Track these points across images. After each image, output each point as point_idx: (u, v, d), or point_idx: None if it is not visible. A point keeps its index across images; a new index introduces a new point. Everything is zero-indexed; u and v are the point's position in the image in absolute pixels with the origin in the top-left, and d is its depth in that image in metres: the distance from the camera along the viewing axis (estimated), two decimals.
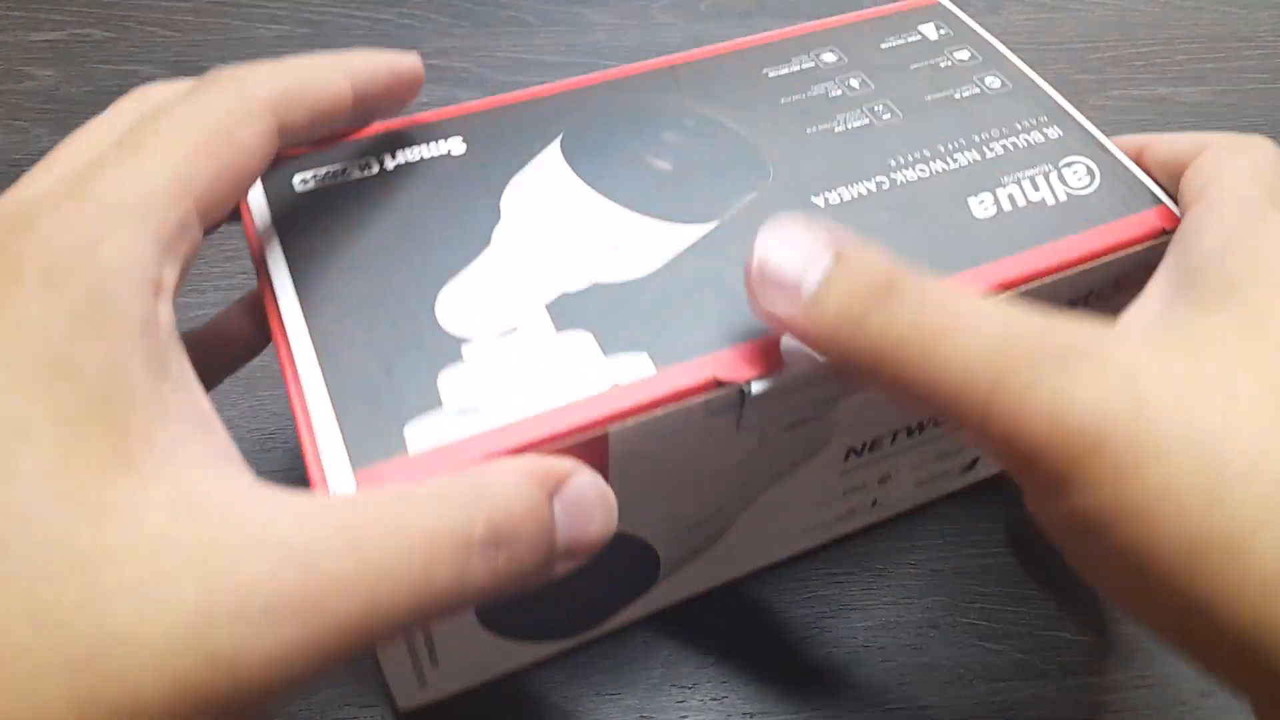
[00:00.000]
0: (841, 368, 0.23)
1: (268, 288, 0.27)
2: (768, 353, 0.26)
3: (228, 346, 0.31)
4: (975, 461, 0.39)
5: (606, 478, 0.27)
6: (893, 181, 0.30)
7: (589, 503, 0.23)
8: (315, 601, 0.17)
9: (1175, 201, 0.29)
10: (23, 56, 0.57)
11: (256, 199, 0.29)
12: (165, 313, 0.20)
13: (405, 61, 0.29)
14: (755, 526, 0.34)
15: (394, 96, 0.29)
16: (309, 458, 0.23)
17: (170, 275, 0.20)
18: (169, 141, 0.21)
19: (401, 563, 0.18)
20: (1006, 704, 0.36)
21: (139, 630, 0.15)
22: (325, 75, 0.26)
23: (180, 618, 0.16)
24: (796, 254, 0.23)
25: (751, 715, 0.35)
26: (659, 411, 0.25)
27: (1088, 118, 0.33)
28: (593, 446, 0.25)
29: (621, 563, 0.32)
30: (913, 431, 0.34)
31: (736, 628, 0.37)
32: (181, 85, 0.25)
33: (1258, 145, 0.27)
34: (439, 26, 0.62)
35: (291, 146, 0.26)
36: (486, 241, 0.28)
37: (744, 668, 0.36)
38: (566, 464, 0.23)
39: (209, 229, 0.22)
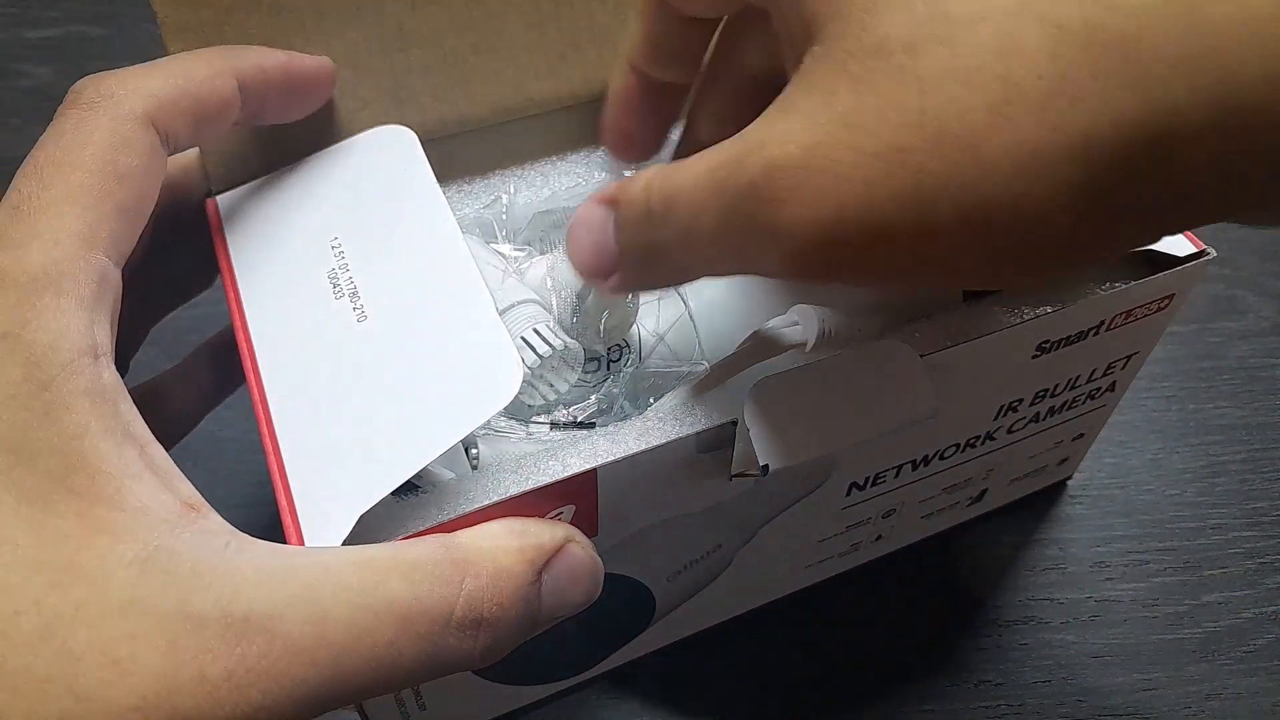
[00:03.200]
0: (681, 272, 0.22)
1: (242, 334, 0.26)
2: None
3: (192, 396, 0.31)
4: (984, 494, 0.38)
5: (596, 515, 0.26)
6: None
7: (578, 575, 0.22)
8: (276, 669, 0.17)
9: None
10: (18, 53, 0.57)
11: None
12: (108, 376, 0.19)
13: (306, 62, 0.27)
14: (754, 564, 0.33)
15: (291, 98, 0.27)
16: (286, 519, 0.23)
17: (103, 334, 0.19)
18: (58, 196, 0.20)
19: (365, 639, 0.18)
20: (1010, 708, 0.35)
21: (107, 693, 0.16)
22: (206, 76, 0.24)
23: (146, 683, 0.16)
24: (592, 231, 0.22)
25: None
26: (648, 446, 0.24)
27: None
28: (581, 483, 0.24)
29: (615, 606, 0.31)
30: (918, 464, 0.33)
31: (731, 664, 0.36)
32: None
33: None
34: None
35: (179, 152, 0.25)
36: None
37: (745, 687, 0.35)
38: (559, 534, 0.22)
39: (126, 264, 0.22)
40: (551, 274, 0.29)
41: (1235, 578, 0.39)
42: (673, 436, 0.25)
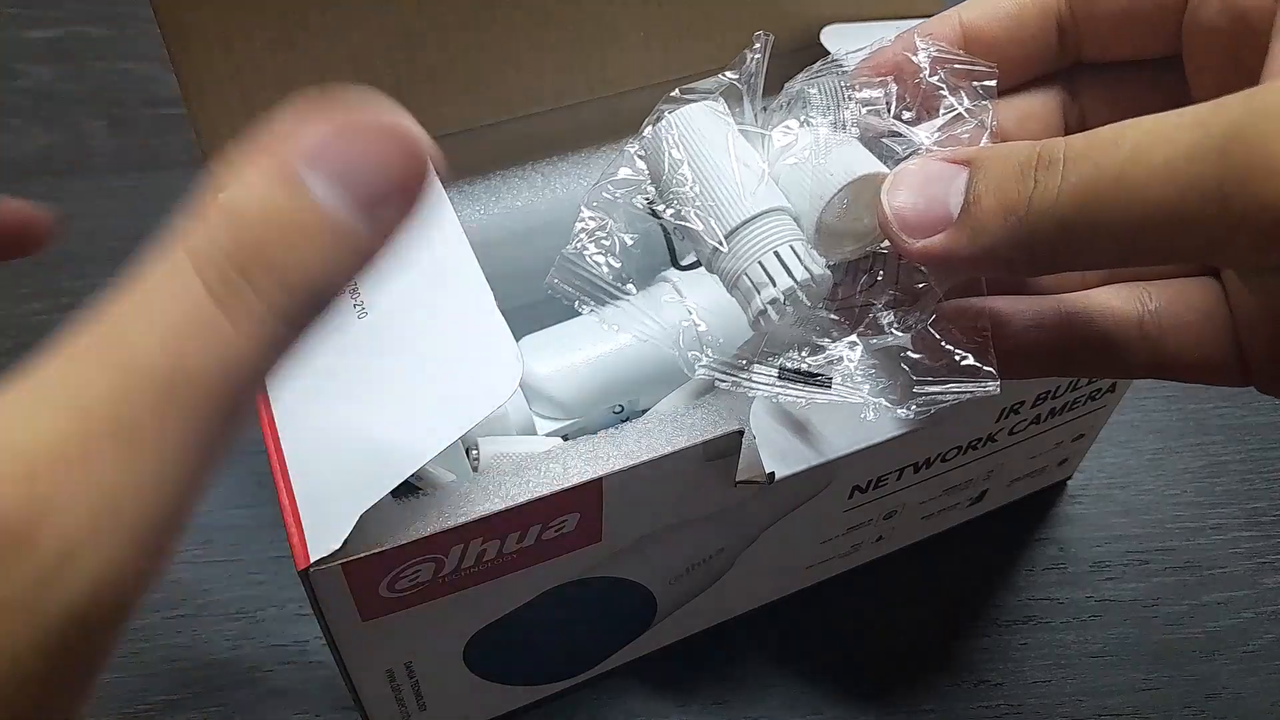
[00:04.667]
0: (1027, 263, 0.21)
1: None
2: None
3: None
4: (984, 494, 0.38)
5: (600, 523, 0.26)
6: None
7: (362, 147, 0.15)
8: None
9: None
10: (19, 53, 0.56)
11: None
12: None
13: (15, 211, 0.23)
14: (755, 566, 0.33)
15: None
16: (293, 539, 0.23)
17: None
18: None
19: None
20: (1010, 708, 0.35)
21: None
22: None
23: None
24: (926, 188, 0.22)
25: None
26: (653, 455, 0.24)
27: None
28: (586, 493, 0.24)
29: (616, 608, 0.31)
30: (919, 467, 0.33)
31: (731, 663, 0.36)
32: None
33: None
34: None
35: None
36: None
37: (746, 684, 0.35)
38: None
39: None
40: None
41: (1235, 577, 0.39)
42: (679, 445, 0.24)
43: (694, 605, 0.33)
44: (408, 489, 0.24)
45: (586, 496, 0.24)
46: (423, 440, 0.22)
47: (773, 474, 0.24)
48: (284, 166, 0.15)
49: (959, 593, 0.38)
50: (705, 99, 0.25)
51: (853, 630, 0.37)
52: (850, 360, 0.24)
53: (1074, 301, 0.25)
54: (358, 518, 0.22)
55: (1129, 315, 0.24)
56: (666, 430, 0.25)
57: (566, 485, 0.24)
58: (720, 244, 0.23)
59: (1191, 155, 0.18)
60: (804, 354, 0.24)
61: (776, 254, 0.23)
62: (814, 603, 0.37)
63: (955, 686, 0.36)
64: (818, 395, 0.24)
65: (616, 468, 0.24)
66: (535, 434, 0.31)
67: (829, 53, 0.27)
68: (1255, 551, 0.39)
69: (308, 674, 0.35)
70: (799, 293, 0.23)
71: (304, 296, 0.15)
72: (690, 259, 0.32)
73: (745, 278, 0.23)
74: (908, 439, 0.28)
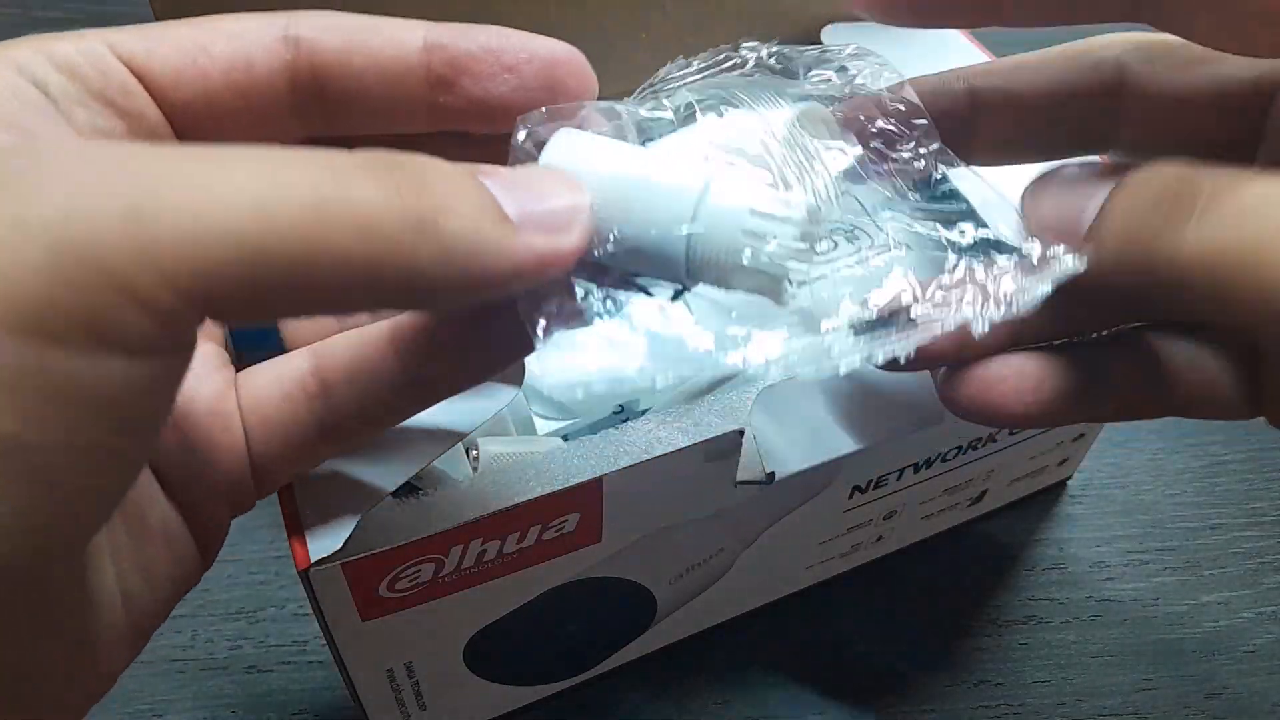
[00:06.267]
0: (1136, 298, 0.20)
1: None
2: None
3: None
4: (984, 494, 0.38)
5: (601, 524, 0.26)
6: None
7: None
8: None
9: None
10: None
11: None
12: None
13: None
14: (755, 566, 0.33)
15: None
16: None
17: None
18: None
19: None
20: (1010, 708, 0.35)
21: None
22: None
23: None
24: (1072, 189, 0.20)
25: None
26: (653, 455, 0.24)
27: None
28: (586, 493, 0.24)
29: (616, 608, 0.31)
30: (920, 467, 0.33)
31: (731, 663, 0.36)
32: None
33: None
34: None
35: None
36: None
37: (746, 684, 0.35)
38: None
39: None
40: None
41: (1235, 578, 0.39)
42: (679, 445, 0.24)
43: (694, 605, 0.33)
44: (408, 489, 0.23)
45: (586, 496, 0.24)
46: (425, 442, 0.22)
47: (772, 474, 0.24)
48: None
49: (959, 593, 0.38)
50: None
51: (853, 630, 0.37)
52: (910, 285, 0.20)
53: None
54: (358, 518, 0.22)
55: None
56: (666, 430, 0.25)
57: (566, 485, 0.24)
58: (684, 257, 0.19)
59: None
60: (854, 297, 0.20)
61: (753, 210, 0.19)
62: (814, 603, 0.37)
63: (955, 686, 0.36)
64: (910, 337, 0.20)
65: (616, 468, 0.24)
66: (535, 434, 0.31)
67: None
68: (1255, 551, 0.39)
69: (307, 674, 0.35)
70: (806, 227, 0.19)
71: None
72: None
73: (735, 256, 0.19)
74: (908, 439, 0.28)
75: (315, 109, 0.20)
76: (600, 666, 0.34)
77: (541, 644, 0.31)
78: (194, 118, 0.19)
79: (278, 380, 0.21)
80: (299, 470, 0.21)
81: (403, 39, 0.20)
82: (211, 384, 0.20)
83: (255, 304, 0.14)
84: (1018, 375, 0.21)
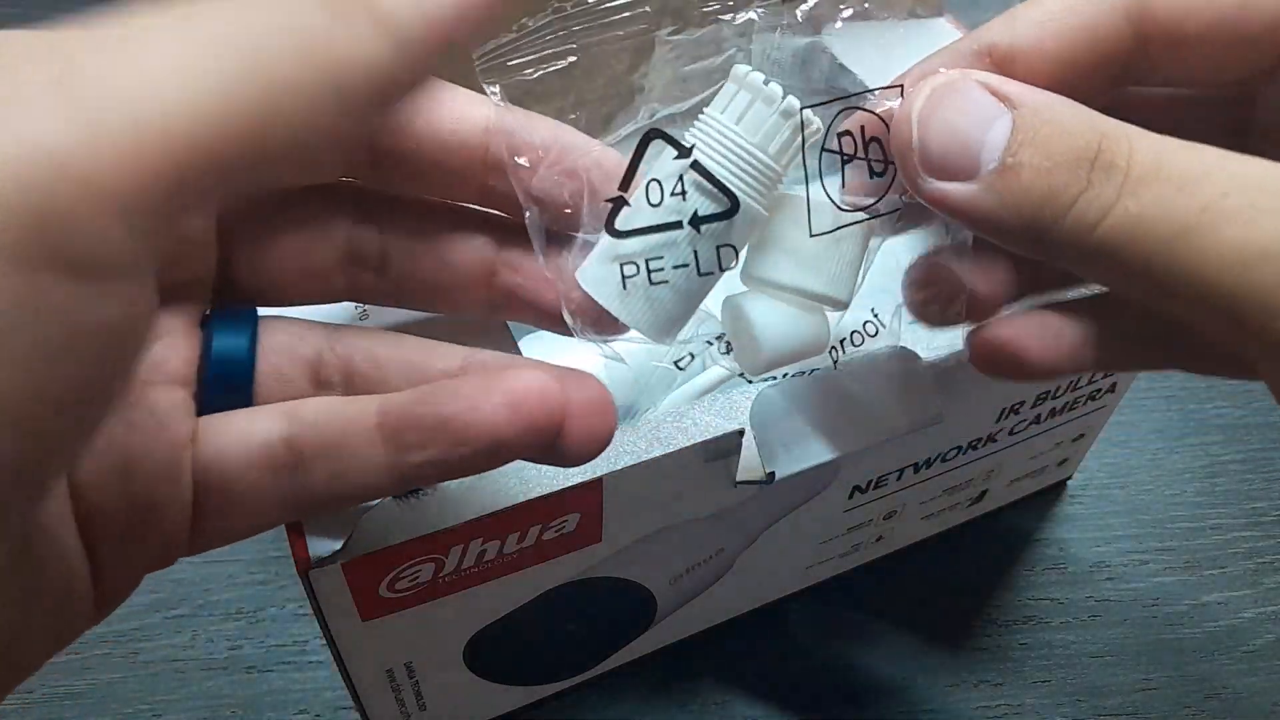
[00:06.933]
0: (1043, 255, 0.19)
1: None
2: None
3: None
4: (984, 494, 0.38)
5: (601, 524, 0.26)
6: None
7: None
8: None
9: None
10: None
11: None
12: None
13: None
14: (755, 566, 0.33)
15: None
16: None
17: None
18: None
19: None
20: (1010, 708, 0.35)
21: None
22: None
23: None
24: (965, 114, 0.18)
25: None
26: (653, 455, 0.24)
27: None
28: (586, 493, 0.24)
29: (616, 608, 0.31)
30: (919, 467, 0.33)
31: (731, 663, 0.36)
32: None
33: None
34: None
35: None
36: None
37: (746, 684, 0.35)
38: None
39: None
40: None
41: (1235, 578, 0.39)
42: (679, 445, 0.24)
43: (694, 605, 0.33)
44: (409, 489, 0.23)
45: (586, 496, 0.24)
46: None
47: (772, 474, 0.24)
48: None
49: (959, 593, 0.38)
50: None
51: (853, 631, 0.37)
52: None
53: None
54: (358, 518, 0.22)
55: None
56: (666, 430, 0.25)
57: (566, 485, 0.24)
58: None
59: (1267, 253, 0.16)
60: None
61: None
62: (814, 603, 0.37)
63: (955, 686, 0.36)
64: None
65: (616, 468, 0.24)
66: None
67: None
68: (1255, 551, 0.39)
69: (307, 674, 0.35)
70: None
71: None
72: None
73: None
74: (908, 439, 0.28)
75: (363, 159, 0.20)
76: (600, 667, 0.34)
77: (542, 644, 0.31)
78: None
79: (244, 442, 0.18)
80: (243, 539, 0.19)
81: (470, 115, 0.20)
82: (168, 438, 0.18)
83: (226, 176, 0.13)
84: (1040, 327, 0.21)
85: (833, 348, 0.23)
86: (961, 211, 0.18)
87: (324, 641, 0.26)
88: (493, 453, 0.18)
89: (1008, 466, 0.36)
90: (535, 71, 0.20)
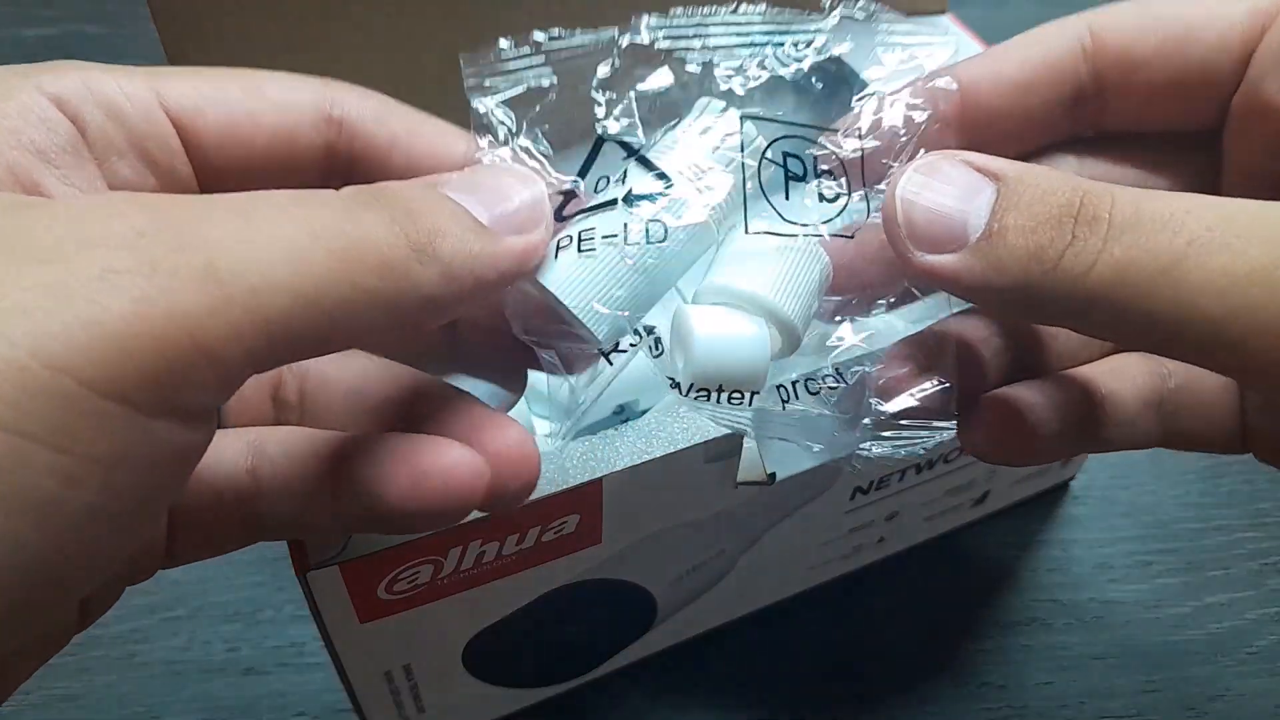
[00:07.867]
0: (1036, 317, 0.20)
1: None
2: None
3: None
4: (986, 495, 0.37)
5: (600, 525, 0.26)
6: None
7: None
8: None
9: None
10: (15, 53, 0.56)
11: None
12: None
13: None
14: (757, 567, 0.32)
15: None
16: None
17: None
18: None
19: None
20: (1013, 710, 0.35)
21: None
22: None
23: None
24: (949, 189, 0.19)
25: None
26: (653, 455, 0.24)
27: None
28: (586, 493, 0.24)
29: (616, 610, 0.30)
30: (921, 468, 0.32)
31: (732, 664, 0.36)
32: None
33: None
34: None
35: None
36: None
37: (747, 686, 0.35)
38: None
39: None
40: None
41: (1238, 579, 0.39)
42: (679, 446, 0.24)
43: (695, 607, 0.33)
44: None
45: (586, 497, 0.24)
46: None
47: (773, 475, 0.24)
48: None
49: (961, 594, 0.38)
50: None
51: (855, 632, 0.37)
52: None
53: (1093, 377, 0.23)
54: None
55: (1150, 394, 0.23)
56: (667, 431, 0.25)
57: (566, 486, 0.23)
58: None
59: (1254, 276, 0.17)
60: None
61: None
62: (816, 604, 0.37)
63: (958, 688, 0.36)
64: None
65: (616, 468, 0.24)
66: (534, 434, 0.31)
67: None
68: (1258, 553, 0.39)
69: (305, 676, 0.35)
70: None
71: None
72: None
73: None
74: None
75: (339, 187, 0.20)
76: (600, 669, 0.34)
77: (541, 646, 0.31)
78: (223, 181, 0.19)
79: (213, 469, 0.19)
80: (215, 556, 0.20)
81: (448, 150, 0.21)
82: None
83: (297, 350, 0.15)
84: (1028, 410, 0.22)
85: (781, 386, 0.22)
86: (952, 280, 0.19)
87: (322, 644, 0.26)
88: (405, 525, 0.19)
89: (1010, 467, 0.36)
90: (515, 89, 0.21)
